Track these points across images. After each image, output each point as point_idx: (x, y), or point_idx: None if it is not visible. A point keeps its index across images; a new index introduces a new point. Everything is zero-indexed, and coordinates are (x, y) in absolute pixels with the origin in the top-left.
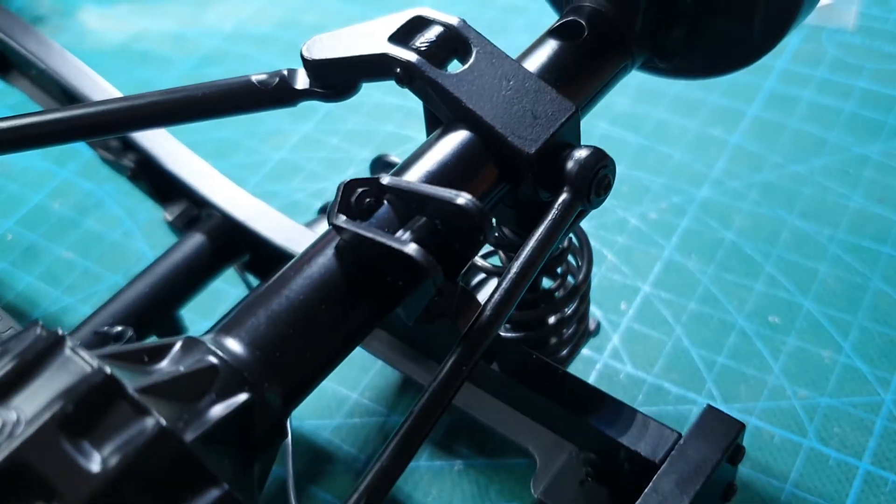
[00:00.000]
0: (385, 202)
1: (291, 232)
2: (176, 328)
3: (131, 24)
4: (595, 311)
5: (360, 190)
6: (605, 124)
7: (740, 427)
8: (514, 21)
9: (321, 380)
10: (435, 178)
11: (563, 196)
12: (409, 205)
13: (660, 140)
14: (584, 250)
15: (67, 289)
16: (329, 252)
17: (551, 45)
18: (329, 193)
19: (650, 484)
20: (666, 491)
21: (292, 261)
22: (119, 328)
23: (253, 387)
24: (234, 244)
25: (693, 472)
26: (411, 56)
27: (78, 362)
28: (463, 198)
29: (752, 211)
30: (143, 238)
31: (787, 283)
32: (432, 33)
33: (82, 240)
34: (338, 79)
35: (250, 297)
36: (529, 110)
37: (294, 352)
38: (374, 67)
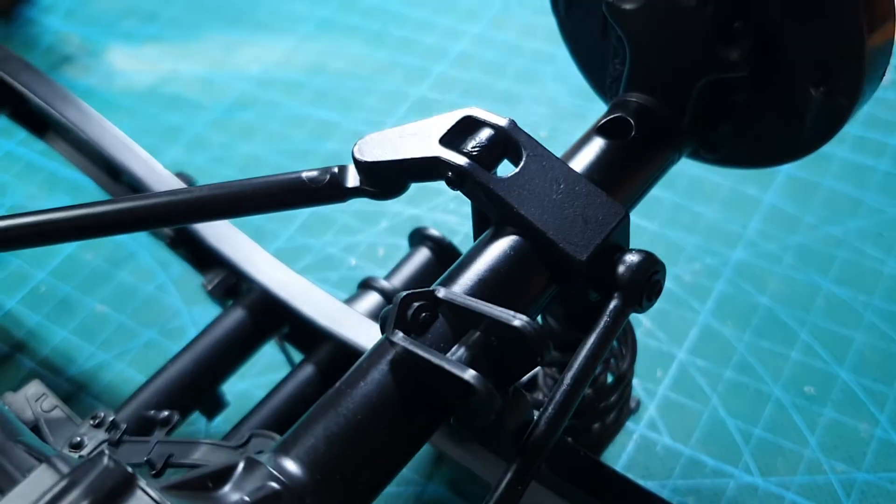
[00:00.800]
0: (440, 315)
1: (333, 311)
2: (218, 402)
3: (160, 66)
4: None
5: (416, 305)
6: None
7: None
8: (543, 69)
9: (377, 495)
10: (488, 285)
11: (615, 302)
12: (464, 319)
13: (693, 198)
14: (627, 337)
15: (102, 344)
16: (384, 367)
17: (599, 144)
18: (363, 247)
19: None
20: None
21: (348, 375)
22: (165, 413)
23: None
24: (274, 318)
25: None
26: (462, 160)
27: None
28: (520, 320)
29: (786, 275)
30: (177, 291)
31: (823, 351)
32: (483, 135)
33: (116, 293)
34: (388, 179)
35: (308, 415)
36: (580, 215)
37: (353, 473)
38: (425, 170)
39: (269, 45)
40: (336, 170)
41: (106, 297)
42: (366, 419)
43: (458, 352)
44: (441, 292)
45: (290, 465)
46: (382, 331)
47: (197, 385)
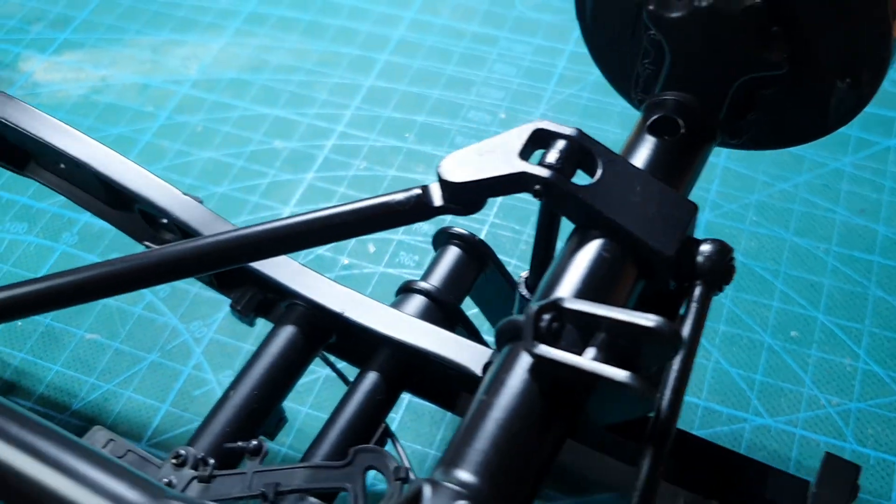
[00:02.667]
0: (566, 323)
1: (386, 316)
2: (280, 420)
3: (85, 75)
4: None
5: (546, 316)
6: None
7: (858, 469)
8: (487, 52)
9: (537, 495)
10: (591, 288)
11: (699, 289)
12: (588, 323)
13: None
14: None
15: (102, 374)
16: (526, 376)
17: (653, 143)
18: (352, 245)
19: None
20: None
21: (487, 387)
22: (254, 442)
23: None
24: (325, 329)
25: None
26: (546, 173)
27: None
28: (652, 320)
29: (753, 231)
30: (169, 310)
31: (799, 298)
32: (558, 147)
33: (102, 319)
34: (472, 196)
35: (464, 430)
36: (659, 213)
37: (521, 478)
38: (510, 185)
39: (200, 43)
40: (420, 191)
41: (93, 325)
42: (523, 427)
43: (590, 354)
44: (566, 302)
45: (470, 479)
46: (499, 343)
47: (264, 408)
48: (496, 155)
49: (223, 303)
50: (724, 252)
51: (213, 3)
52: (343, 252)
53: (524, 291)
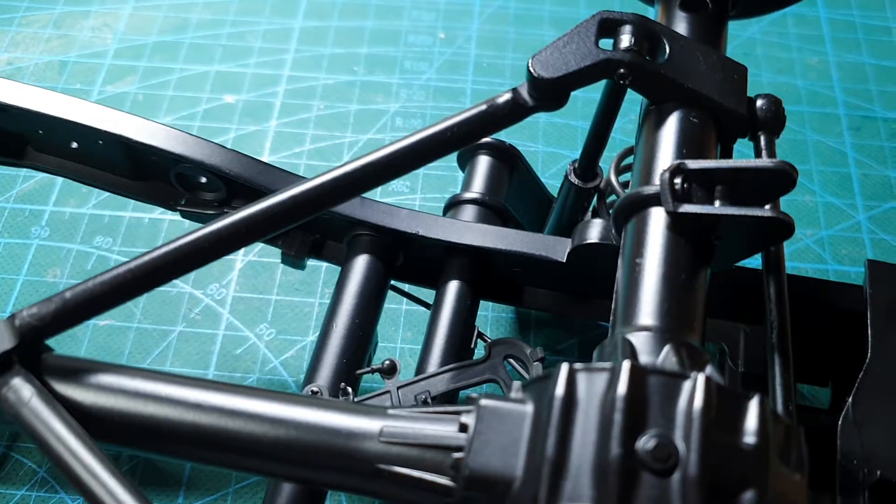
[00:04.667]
0: (692, 182)
1: (450, 227)
2: (376, 343)
3: None
4: None
5: (677, 180)
6: None
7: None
8: (541, 10)
9: None
10: (688, 150)
11: (764, 137)
12: (710, 179)
13: None
14: None
15: (131, 356)
16: (669, 233)
17: (688, 19)
18: None
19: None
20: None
21: (632, 251)
22: (387, 361)
23: None
24: (393, 255)
25: None
26: (628, 56)
27: None
28: (770, 161)
29: None
30: (182, 281)
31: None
32: (627, 32)
33: None
34: (560, 91)
35: (626, 293)
36: (724, 78)
37: (691, 314)
38: (596, 73)
39: (106, 12)
40: (511, 94)
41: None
42: (679, 272)
43: (718, 203)
44: (691, 164)
45: (652, 323)
46: (623, 216)
47: (366, 333)
48: (576, 47)
49: (230, 262)
50: (777, 103)
51: None
52: None
53: (574, 179)
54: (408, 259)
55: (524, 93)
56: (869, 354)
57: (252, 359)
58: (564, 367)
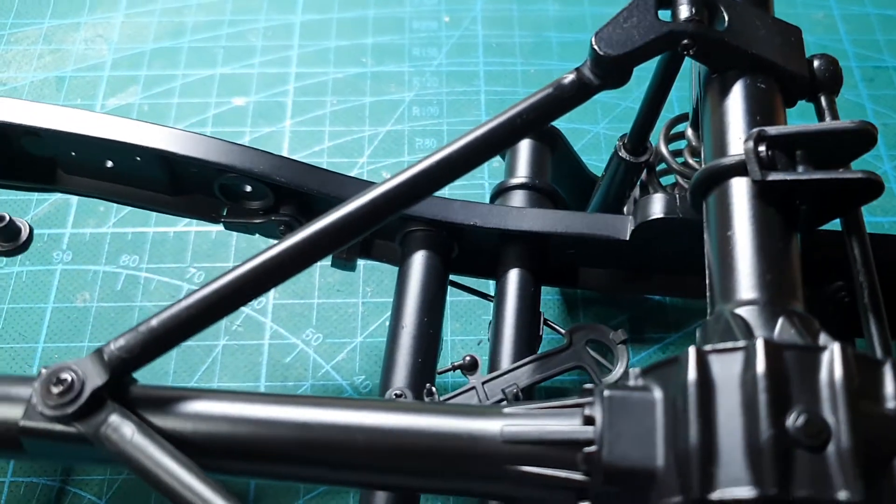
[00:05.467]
0: (774, 149)
1: (501, 215)
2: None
3: None
4: None
5: (761, 148)
6: None
7: None
8: None
9: None
10: (761, 116)
11: (825, 96)
12: (790, 144)
13: None
14: None
15: (177, 375)
16: (756, 202)
17: None
18: None
19: None
20: None
21: (719, 225)
22: (468, 358)
23: None
24: (448, 248)
25: None
26: (690, 27)
27: None
28: (851, 122)
29: None
30: None
31: None
32: (686, 1)
33: None
34: (624, 67)
35: (721, 268)
36: (782, 41)
37: (790, 280)
38: (660, 46)
39: (97, 22)
40: (574, 75)
41: None
42: (773, 240)
43: (803, 165)
44: (770, 130)
45: (755, 296)
46: (704, 188)
47: (435, 331)
48: (637, 21)
49: None
50: (834, 63)
51: None
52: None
53: (624, 154)
54: (463, 251)
55: (587, 72)
56: None
57: (303, 366)
58: (692, 351)
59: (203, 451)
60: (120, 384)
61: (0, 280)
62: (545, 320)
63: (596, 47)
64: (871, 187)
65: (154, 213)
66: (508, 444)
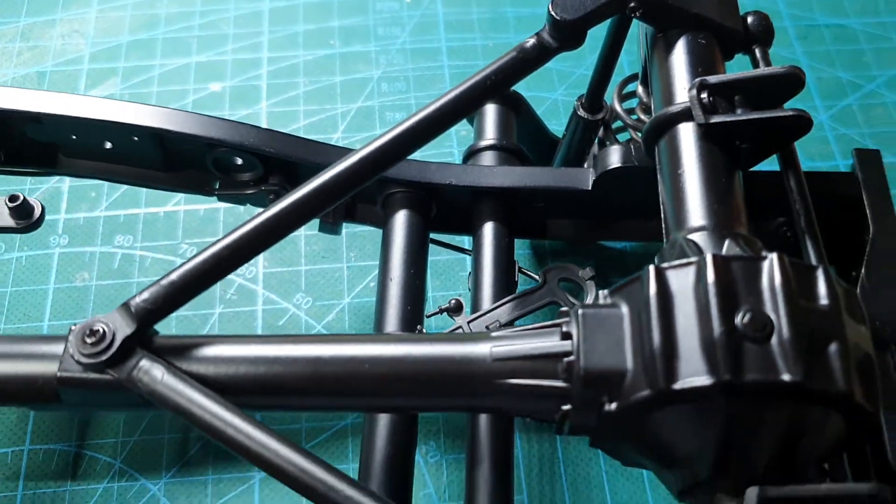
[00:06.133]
0: (716, 96)
1: (475, 174)
2: None
3: None
4: None
5: (703, 94)
6: None
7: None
8: None
9: None
10: (704, 68)
11: (759, 49)
12: (729, 90)
13: None
14: None
15: None
16: (703, 142)
17: None
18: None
19: None
20: None
21: (670, 167)
22: (453, 301)
23: None
24: (427, 207)
25: None
26: None
27: None
28: (782, 68)
29: None
30: None
31: None
32: None
33: None
34: (579, 30)
35: (673, 202)
36: (718, 1)
37: (735, 207)
38: (610, 9)
39: (72, 18)
40: (535, 40)
41: None
42: (719, 173)
43: (741, 108)
44: (711, 79)
45: (703, 223)
46: (655, 135)
47: (421, 282)
48: None
49: None
50: (766, 18)
51: None
52: None
53: (582, 113)
54: (441, 210)
55: (546, 36)
56: (871, 230)
57: (295, 328)
58: (652, 268)
59: (224, 388)
60: (145, 334)
61: (1, 265)
62: (519, 268)
63: (553, 13)
64: (801, 123)
65: (144, 195)
66: (498, 362)
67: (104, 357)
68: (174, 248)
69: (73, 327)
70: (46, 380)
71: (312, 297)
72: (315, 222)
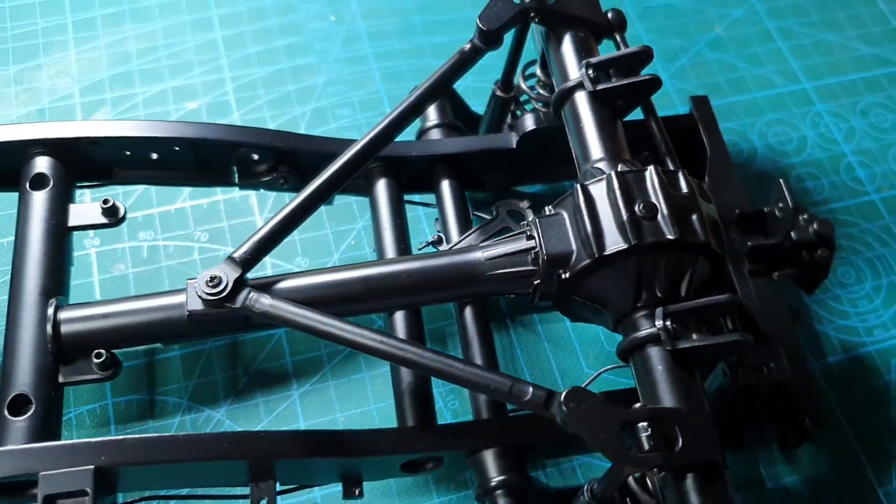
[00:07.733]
0: (598, 71)
1: (436, 145)
2: None
3: None
4: None
5: (590, 71)
6: None
7: (706, 98)
8: None
9: None
10: (584, 52)
11: (619, 35)
12: (606, 65)
13: None
14: None
15: None
16: (594, 103)
17: None
18: None
19: None
20: None
21: (574, 131)
22: (433, 238)
23: None
24: (399, 175)
25: None
26: (534, 3)
27: None
28: (642, 47)
29: None
30: (200, 256)
31: None
32: None
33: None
34: (497, 36)
35: (594, 136)
36: (588, 4)
37: (625, 149)
38: (517, 18)
39: (54, 62)
40: (470, 45)
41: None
42: (612, 126)
43: (615, 77)
44: (592, 60)
45: (608, 154)
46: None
47: (408, 243)
48: (501, 4)
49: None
50: (620, 13)
51: (32, 25)
52: None
53: (499, 93)
54: (409, 176)
55: (477, 41)
56: (708, 152)
57: None
58: (578, 186)
59: (310, 304)
60: (245, 277)
61: None
62: (472, 211)
63: (480, 24)
64: (655, 83)
65: (155, 197)
66: (489, 261)
67: (223, 294)
68: (190, 235)
69: (189, 280)
70: (181, 315)
71: (310, 258)
72: None
